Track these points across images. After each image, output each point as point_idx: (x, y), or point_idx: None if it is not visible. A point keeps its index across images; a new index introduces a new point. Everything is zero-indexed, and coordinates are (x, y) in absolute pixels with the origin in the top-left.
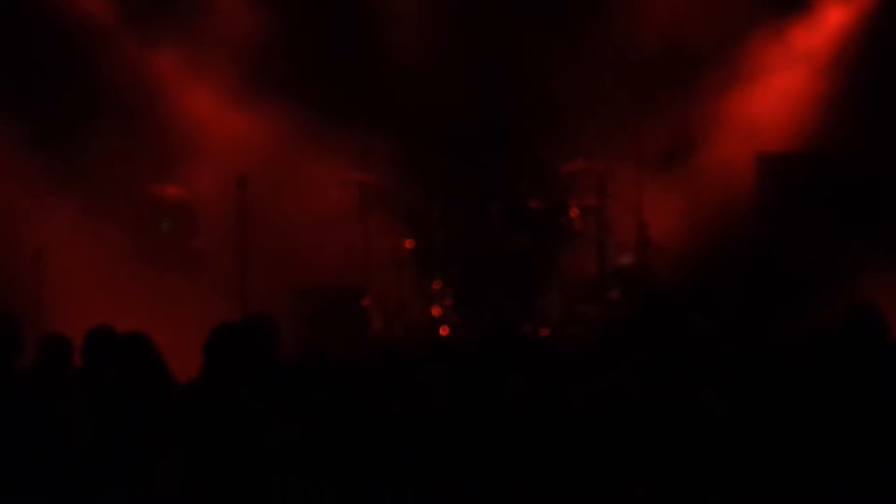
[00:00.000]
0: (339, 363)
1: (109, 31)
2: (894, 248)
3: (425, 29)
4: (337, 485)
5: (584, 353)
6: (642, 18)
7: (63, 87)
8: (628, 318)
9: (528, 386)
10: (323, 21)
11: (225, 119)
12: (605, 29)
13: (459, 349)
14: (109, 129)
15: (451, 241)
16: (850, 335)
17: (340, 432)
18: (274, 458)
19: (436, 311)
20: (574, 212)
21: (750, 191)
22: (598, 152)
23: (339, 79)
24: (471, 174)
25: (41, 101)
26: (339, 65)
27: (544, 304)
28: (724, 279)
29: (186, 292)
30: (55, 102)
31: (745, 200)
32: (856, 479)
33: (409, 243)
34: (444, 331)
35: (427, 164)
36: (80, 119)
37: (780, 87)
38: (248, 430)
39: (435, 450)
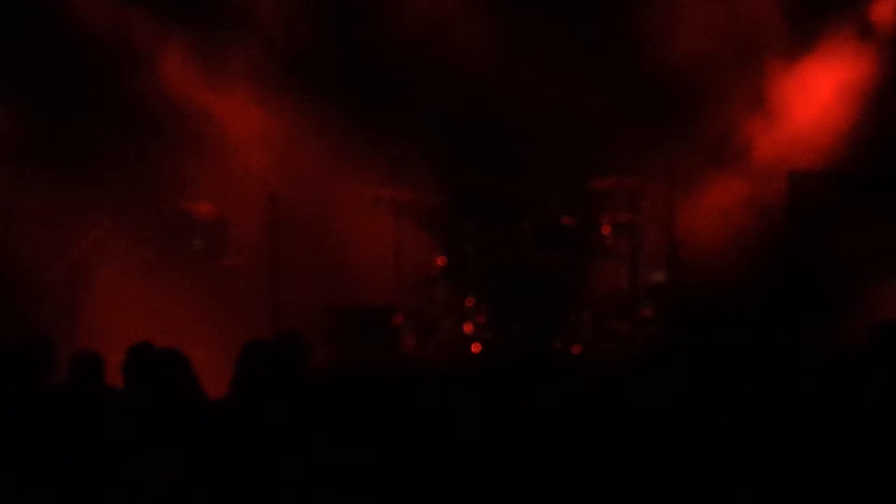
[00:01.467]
0: (372, 378)
1: (141, 49)
2: None
3: (457, 44)
4: (367, 499)
5: (622, 370)
6: (676, 34)
7: (95, 104)
8: (666, 336)
9: (560, 401)
10: (355, 37)
11: (257, 135)
12: (639, 44)
13: (492, 366)
14: (141, 145)
15: (483, 257)
16: (875, 354)
17: (371, 447)
18: (305, 473)
19: (468, 328)
20: (606, 228)
21: (782, 209)
22: (630, 169)
23: (371, 95)
24: (503, 191)
25: (73, 119)
26: (371, 81)
27: (576, 320)
28: (755, 296)
29: (218, 309)
30: (87, 120)
31: (777, 218)
32: (874, 498)
33: (441, 260)
34: (476, 348)
35: (459, 181)
36: (112, 136)
37: (814, 105)
38: (280, 445)
39: (466, 465)
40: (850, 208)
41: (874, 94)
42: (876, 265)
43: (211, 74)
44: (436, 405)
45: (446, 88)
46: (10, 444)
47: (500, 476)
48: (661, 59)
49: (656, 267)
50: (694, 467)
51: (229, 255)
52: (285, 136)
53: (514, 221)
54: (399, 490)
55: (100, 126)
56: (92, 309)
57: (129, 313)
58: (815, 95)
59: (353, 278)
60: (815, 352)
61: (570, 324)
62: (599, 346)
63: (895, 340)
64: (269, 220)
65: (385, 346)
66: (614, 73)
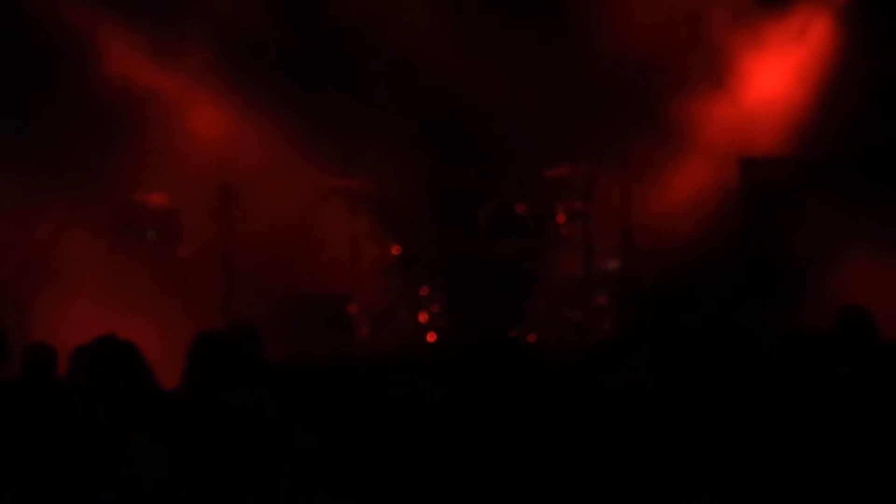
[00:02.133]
0: (326, 368)
1: (92, 39)
2: (884, 251)
3: (409, 34)
4: (324, 488)
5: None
6: (628, 19)
7: (47, 95)
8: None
9: (527, 392)
10: (307, 26)
11: (210, 125)
12: (591, 30)
13: (448, 354)
14: (93, 137)
15: (438, 246)
16: (840, 338)
17: (328, 437)
18: (260, 462)
19: (423, 317)
20: (560, 217)
21: (735, 195)
22: (584, 156)
23: (324, 84)
24: (457, 179)
25: (25, 110)
26: (324, 70)
27: (531, 309)
28: (711, 283)
29: (172, 300)
30: (39, 111)
31: (730, 204)
32: (842, 482)
33: (395, 250)
34: (431, 337)
35: (413, 170)
36: (64, 128)
37: (769, 90)
38: (233, 435)
39: (424, 454)
40: (805, 193)
41: (830, 77)
42: (832, 250)
43: (163, 65)
44: (402, 395)
45: (399, 77)
46: None
47: (471, 467)
48: (614, 44)
49: (611, 255)
50: (667, 454)
51: (183, 246)
52: (238, 127)
53: (468, 210)
54: (356, 477)
55: (51, 118)
56: (45, 301)
57: (82, 305)
58: (771, 80)
59: (308, 268)
60: (774, 336)
61: (525, 312)
62: (554, 333)
63: (859, 325)
64: (222, 210)
65: (340, 335)
66: (566, 59)
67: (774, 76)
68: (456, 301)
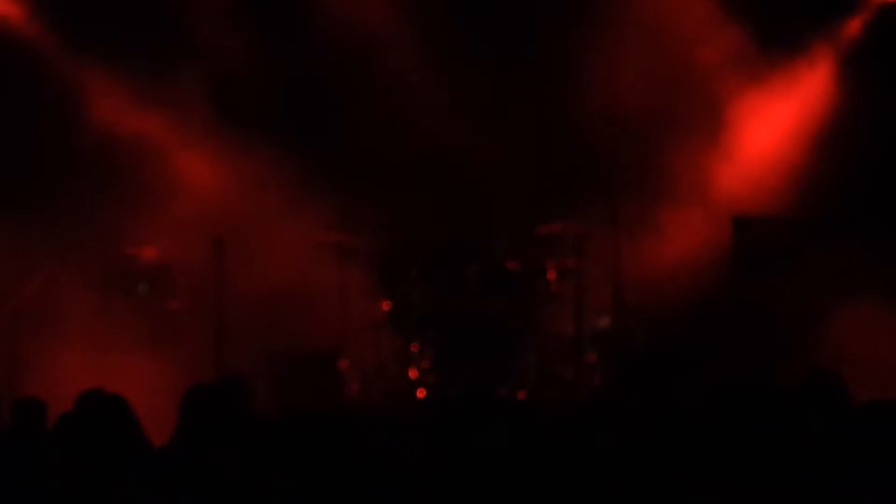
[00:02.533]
0: (316, 422)
1: (84, 91)
2: (878, 309)
3: (403, 90)
4: None
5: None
6: (621, 78)
7: (37, 150)
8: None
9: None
10: (299, 81)
11: (202, 179)
12: (584, 90)
13: (438, 410)
14: (86, 189)
15: (429, 302)
16: (809, 400)
17: (313, 490)
18: None
19: (413, 373)
20: (551, 274)
21: (727, 253)
22: (575, 213)
23: (315, 138)
24: (448, 235)
25: (15, 162)
26: (315, 124)
27: (521, 366)
28: (701, 340)
29: (163, 353)
30: (30, 164)
31: (723, 263)
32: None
33: (386, 305)
34: (421, 393)
35: (405, 226)
36: (55, 180)
37: (760, 149)
38: (223, 492)
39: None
40: (797, 252)
41: (821, 137)
42: (824, 308)
43: (155, 119)
44: (387, 450)
45: (391, 133)
46: None
47: None
48: (606, 103)
49: (602, 312)
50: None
51: (174, 300)
52: (230, 181)
53: (459, 266)
54: None
55: (43, 171)
56: (37, 353)
57: (74, 357)
58: (762, 139)
59: (299, 323)
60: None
61: (516, 369)
62: (545, 390)
63: (828, 388)
64: (214, 264)
65: (330, 390)
66: (559, 117)
67: (769, 133)
68: (446, 357)
